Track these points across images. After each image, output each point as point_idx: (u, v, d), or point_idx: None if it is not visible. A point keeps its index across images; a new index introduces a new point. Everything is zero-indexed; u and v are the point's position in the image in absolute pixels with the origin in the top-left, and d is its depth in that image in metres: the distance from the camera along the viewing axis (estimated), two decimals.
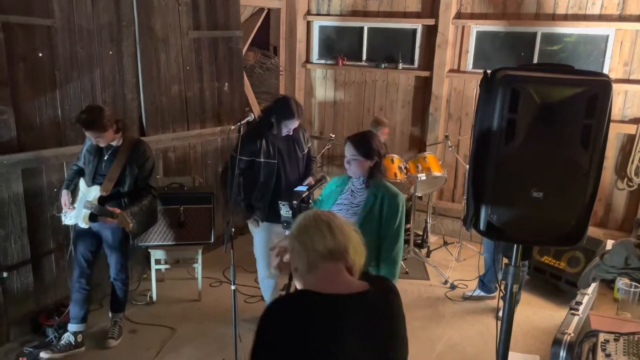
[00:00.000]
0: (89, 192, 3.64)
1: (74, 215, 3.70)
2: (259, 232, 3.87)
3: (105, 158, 3.65)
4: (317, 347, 1.49)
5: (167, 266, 4.75)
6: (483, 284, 4.67)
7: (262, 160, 3.71)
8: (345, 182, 3.02)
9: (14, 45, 3.73)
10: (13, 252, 3.81)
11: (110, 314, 4.01)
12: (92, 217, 3.65)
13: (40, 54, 3.90)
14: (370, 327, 1.58)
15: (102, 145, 3.60)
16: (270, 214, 3.74)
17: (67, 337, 3.75)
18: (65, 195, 3.67)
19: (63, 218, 3.78)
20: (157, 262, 4.57)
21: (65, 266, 4.10)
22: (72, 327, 3.78)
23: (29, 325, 3.96)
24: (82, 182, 3.73)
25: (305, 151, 3.93)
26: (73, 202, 3.70)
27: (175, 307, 4.47)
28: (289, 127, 3.68)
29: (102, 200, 3.61)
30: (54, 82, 4.01)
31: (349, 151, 2.89)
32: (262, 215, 3.79)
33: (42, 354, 3.63)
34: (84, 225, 3.67)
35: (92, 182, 3.65)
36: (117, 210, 3.52)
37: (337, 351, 1.50)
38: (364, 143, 2.88)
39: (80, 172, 3.76)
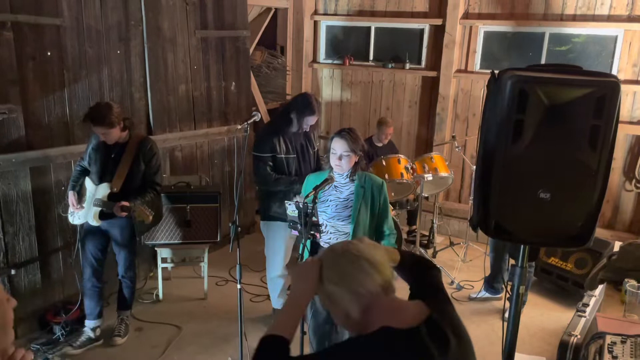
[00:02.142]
0: (97, 190, 3.66)
1: (83, 214, 3.71)
2: (275, 232, 3.89)
3: (113, 156, 3.66)
4: None
5: (173, 264, 4.78)
6: (489, 285, 4.66)
7: (282, 156, 3.74)
8: (322, 178, 3.01)
9: (23, 45, 3.75)
10: (21, 249, 3.84)
11: (117, 312, 4.03)
12: (102, 215, 3.67)
13: (49, 53, 3.92)
14: (454, 347, 1.46)
15: (109, 142, 3.61)
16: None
17: (87, 332, 3.83)
18: (71, 197, 3.67)
19: (70, 218, 3.79)
20: (164, 260, 4.59)
21: (72, 264, 4.12)
22: (90, 323, 3.86)
23: (36, 322, 3.99)
24: (88, 181, 3.74)
25: (316, 149, 3.96)
26: (80, 201, 3.71)
27: (181, 306, 4.49)
28: (309, 123, 3.75)
29: (111, 197, 3.62)
30: (63, 81, 4.03)
31: (341, 147, 2.93)
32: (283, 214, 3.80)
33: (67, 349, 3.71)
34: (94, 223, 3.68)
35: (100, 180, 3.66)
36: (127, 204, 3.52)
37: None
38: (356, 139, 2.97)
39: (84, 172, 3.77)
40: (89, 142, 3.75)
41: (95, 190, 3.67)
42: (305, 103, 3.71)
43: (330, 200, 3.03)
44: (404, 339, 1.37)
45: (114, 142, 3.62)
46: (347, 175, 3.01)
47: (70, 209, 3.73)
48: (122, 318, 4.00)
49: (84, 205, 3.71)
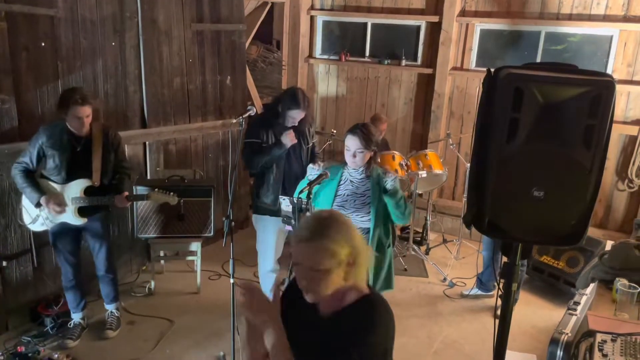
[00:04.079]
0: (69, 189, 3.51)
1: (53, 216, 3.53)
2: (265, 227, 3.89)
3: (78, 150, 3.50)
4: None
5: (166, 258, 4.76)
6: (481, 282, 4.68)
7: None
8: (337, 171, 3.09)
9: (17, 35, 3.72)
10: (13, 241, 3.81)
11: (106, 306, 4.00)
12: (81, 212, 3.58)
13: (43, 44, 3.89)
14: None
15: (84, 129, 3.44)
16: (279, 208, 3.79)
17: (77, 322, 3.85)
18: (51, 203, 3.43)
19: (32, 226, 3.61)
20: (157, 254, 4.57)
21: (34, 268, 3.98)
22: (77, 315, 3.87)
23: (27, 314, 3.97)
24: (48, 183, 3.52)
25: (310, 145, 3.95)
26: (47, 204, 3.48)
27: (173, 300, 4.48)
28: (294, 117, 3.72)
29: (89, 191, 3.54)
30: (56, 72, 4.00)
31: (354, 145, 2.99)
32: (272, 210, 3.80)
33: (67, 342, 3.72)
34: (78, 222, 3.58)
35: (68, 177, 3.50)
36: (127, 193, 3.55)
37: None
38: (369, 136, 3.03)
39: (31, 173, 3.49)
40: (35, 141, 3.44)
41: (67, 189, 3.52)
42: (291, 97, 3.71)
43: (348, 195, 3.09)
44: None
45: (87, 129, 3.47)
46: (362, 171, 3.08)
47: (27, 216, 3.56)
48: (112, 311, 3.99)
49: (55, 208, 3.48)
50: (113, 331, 3.90)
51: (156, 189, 3.78)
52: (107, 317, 3.99)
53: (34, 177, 3.50)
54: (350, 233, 1.68)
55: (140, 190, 4.23)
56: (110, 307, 4.00)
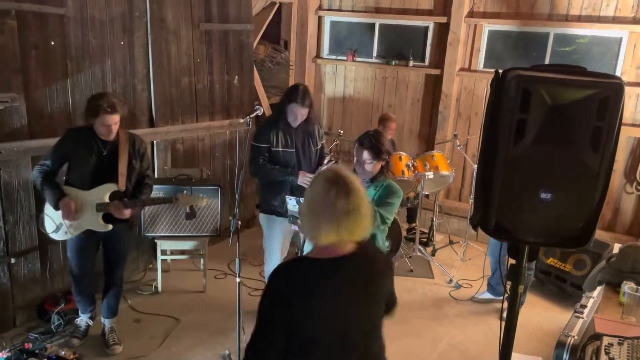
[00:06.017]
0: (95, 194, 3.44)
1: (77, 224, 3.44)
2: (272, 226, 3.89)
3: (105, 154, 3.44)
4: (303, 304, 1.73)
5: (173, 257, 4.78)
6: (491, 286, 4.65)
7: (279, 149, 3.73)
8: None
9: (27, 34, 3.74)
10: (21, 238, 3.84)
11: (106, 320, 3.82)
12: (106, 218, 3.49)
13: (53, 43, 3.91)
14: (350, 286, 1.81)
15: (111, 136, 3.40)
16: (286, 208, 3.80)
17: (85, 322, 3.83)
18: (70, 205, 3.36)
19: (54, 236, 3.51)
20: (163, 252, 4.60)
21: (46, 273, 4.00)
22: (84, 316, 3.84)
23: (35, 311, 4.00)
24: (72, 189, 3.43)
25: (319, 146, 3.95)
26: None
27: (180, 298, 4.50)
28: (295, 112, 3.68)
29: (113, 197, 3.46)
30: (66, 71, 4.03)
31: (362, 155, 2.94)
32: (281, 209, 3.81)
33: (73, 341, 3.73)
34: (104, 229, 3.49)
35: (94, 181, 3.42)
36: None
37: (318, 307, 1.75)
38: (377, 146, 2.97)
39: (52, 175, 3.41)
40: (61, 143, 3.41)
41: (93, 194, 3.44)
42: (291, 92, 3.70)
43: None
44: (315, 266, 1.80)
45: (115, 136, 3.42)
46: (369, 179, 3.07)
47: (49, 224, 3.48)
48: (112, 327, 3.82)
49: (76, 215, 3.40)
50: (119, 345, 3.74)
51: (185, 191, 3.76)
52: (107, 333, 3.78)
53: (54, 179, 3.42)
54: (311, 195, 1.82)
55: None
56: (108, 323, 3.81)
